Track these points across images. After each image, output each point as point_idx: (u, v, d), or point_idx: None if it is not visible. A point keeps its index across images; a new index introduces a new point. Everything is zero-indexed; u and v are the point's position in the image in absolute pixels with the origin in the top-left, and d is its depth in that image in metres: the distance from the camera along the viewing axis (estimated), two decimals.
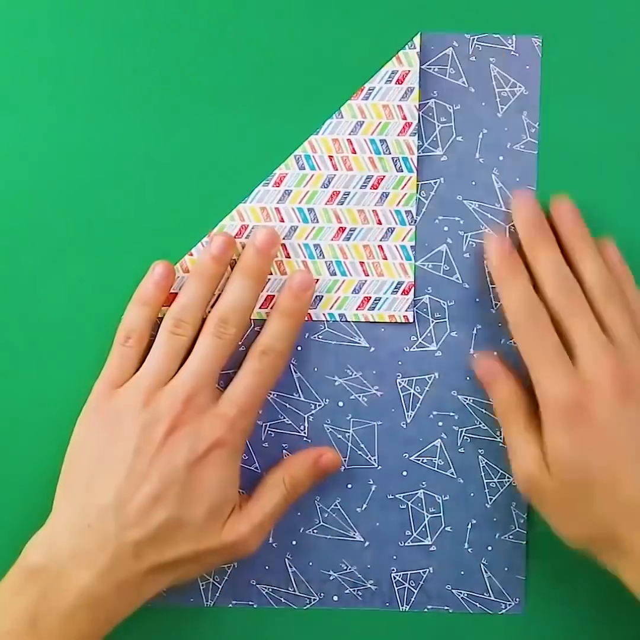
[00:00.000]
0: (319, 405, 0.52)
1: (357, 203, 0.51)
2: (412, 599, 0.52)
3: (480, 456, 0.52)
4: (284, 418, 0.52)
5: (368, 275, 0.51)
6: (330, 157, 0.51)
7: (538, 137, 0.52)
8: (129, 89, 0.51)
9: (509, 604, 0.52)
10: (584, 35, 0.52)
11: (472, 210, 0.52)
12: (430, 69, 0.51)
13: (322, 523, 0.52)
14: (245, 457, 0.51)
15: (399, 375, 0.52)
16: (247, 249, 0.50)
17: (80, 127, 0.51)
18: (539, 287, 0.48)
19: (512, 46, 0.51)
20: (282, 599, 0.52)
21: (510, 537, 0.52)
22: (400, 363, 0.52)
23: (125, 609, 0.47)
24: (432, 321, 0.52)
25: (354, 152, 0.51)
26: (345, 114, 0.51)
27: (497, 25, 0.51)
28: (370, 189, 0.51)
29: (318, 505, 0.52)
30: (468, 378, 0.52)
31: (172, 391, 0.48)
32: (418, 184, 0.52)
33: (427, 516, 0.52)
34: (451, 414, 0.52)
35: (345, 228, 0.51)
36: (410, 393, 0.52)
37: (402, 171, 0.51)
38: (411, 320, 0.52)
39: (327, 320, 0.52)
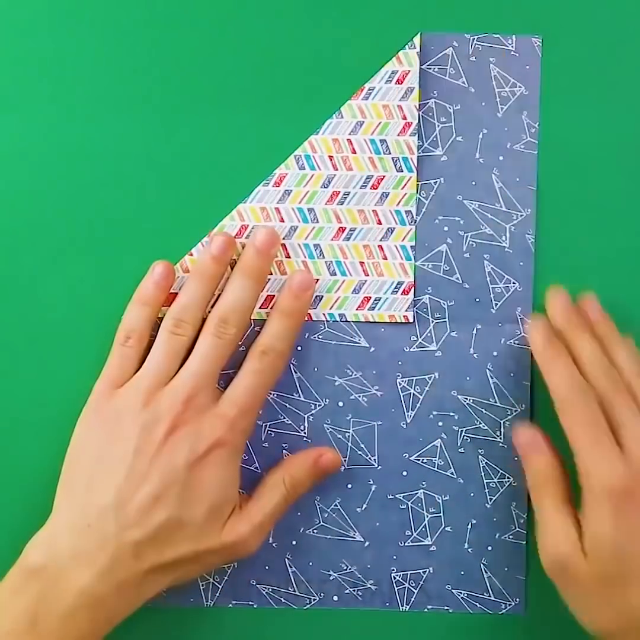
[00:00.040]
0: (319, 405, 0.52)
1: (357, 203, 0.51)
2: (412, 599, 0.52)
3: (480, 456, 0.52)
4: (284, 418, 0.52)
5: (368, 275, 0.51)
6: (330, 157, 0.51)
7: (538, 137, 0.52)
8: (129, 89, 0.51)
9: (509, 604, 0.52)
10: (584, 35, 0.52)
11: (472, 210, 0.52)
12: (430, 69, 0.51)
13: (322, 523, 0.52)
14: (245, 457, 0.51)
15: (399, 375, 0.52)
16: (247, 249, 0.50)
17: (80, 127, 0.51)
18: (581, 371, 0.48)
19: (512, 46, 0.51)
20: (282, 599, 0.52)
21: (510, 537, 0.52)
22: (400, 363, 0.52)
23: (125, 609, 0.47)
24: (432, 321, 0.52)
25: (354, 152, 0.51)
26: (345, 114, 0.51)
27: (497, 25, 0.51)
28: (370, 189, 0.51)
29: (318, 505, 0.52)
30: (468, 378, 0.52)
31: (173, 391, 0.48)
32: (418, 184, 0.52)
33: (427, 516, 0.52)
34: (451, 414, 0.52)
35: (345, 228, 0.51)
36: (410, 393, 0.52)
37: (402, 171, 0.51)
38: (411, 320, 0.52)
39: (327, 320, 0.52)
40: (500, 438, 0.52)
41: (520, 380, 0.52)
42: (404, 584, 0.52)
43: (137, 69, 0.51)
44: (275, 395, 0.52)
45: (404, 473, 0.52)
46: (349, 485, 0.52)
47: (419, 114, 0.51)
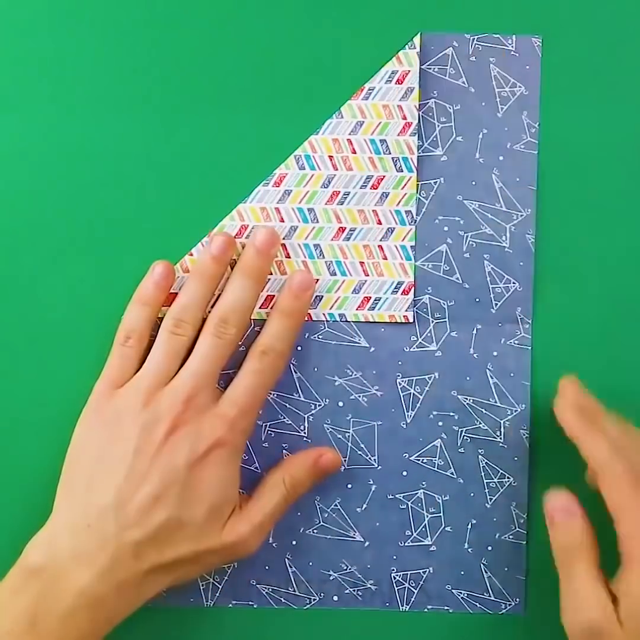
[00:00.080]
0: (319, 405, 0.52)
1: (357, 203, 0.51)
2: (412, 599, 0.52)
3: (480, 456, 0.52)
4: (284, 418, 0.52)
5: (368, 275, 0.51)
6: (330, 157, 0.51)
7: (538, 137, 0.52)
8: (129, 89, 0.51)
9: (509, 604, 0.52)
10: (584, 35, 0.52)
11: (472, 210, 0.52)
12: (430, 69, 0.51)
13: (322, 523, 0.52)
14: (245, 457, 0.51)
15: (399, 375, 0.52)
16: (247, 249, 0.50)
17: (80, 127, 0.51)
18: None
19: (512, 46, 0.51)
20: (282, 599, 0.52)
21: (510, 537, 0.52)
22: (400, 363, 0.52)
23: (125, 609, 0.47)
24: (432, 321, 0.52)
25: (354, 152, 0.51)
26: (345, 114, 0.51)
27: (497, 25, 0.51)
28: (370, 189, 0.51)
29: (318, 505, 0.52)
30: (468, 378, 0.52)
31: (173, 391, 0.48)
32: (418, 184, 0.52)
33: (427, 516, 0.52)
34: (451, 414, 0.52)
35: (345, 228, 0.51)
36: (410, 393, 0.52)
37: (402, 171, 0.51)
38: (411, 320, 0.52)
39: (327, 320, 0.52)
40: (500, 438, 0.52)
41: (520, 380, 0.52)
42: (404, 584, 0.52)
43: (137, 69, 0.51)
44: (275, 395, 0.52)
45: (404, 473, 0.52)
46: (349, 485, 0.52)
47: (419, 114, 0.51)
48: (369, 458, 0.52)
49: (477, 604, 0.52)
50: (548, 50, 0.51)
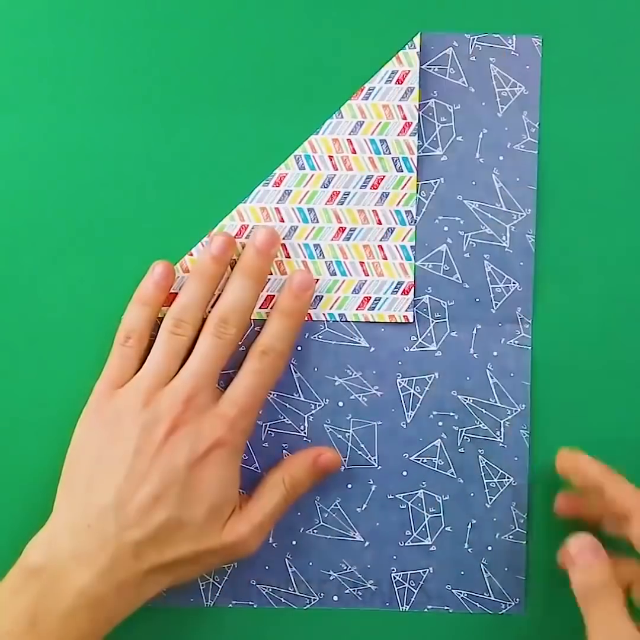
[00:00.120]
0: (319, 405, 0.52)
1: (357, 203, 0.51)
2: (412, 599, 0.52)
3: (480, 456, 0.52)
4: (284, 418, 0.52)
5: (368, 275, 0.51)
6: (330, 157, 0.51)
7: (538, 137, 0.52)
8: (129, 89, 0.51)
9: (509, 604, 0.52)
10: (584, 35, 0.52)
11: (472, 210, 0.52)
12: (430, 69, 0.51)
13: (322, 523, 0.52)
14: (245, 457, 0.51)
15: (399, 375, 0.52)
16: (247, 249, 0.50)
17: (80, 127, 0.51)
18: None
19: (512, 46, 0.51)
20: (282, 599, 0.52)
21: (510, 537, 0.52)
22: (400, 363, 0.52)
23: (125, 609, 0.47)
24: (432, 321, 0.52)
25: (354, 152, 0.51)
26: (345, 114, 0.51)
27: (497, 25, 0.51)
28: (370, 189, 0.51)
29: (318, 505, 0.52)
30: (468, 378, 0.52)
31: (173, 391, 0.48)
32: (418, 184, 0.52)
33: (427, 516, 0.52)
34: (451, 414, 0.52)
35: (345, 228, 0.51)
36: (410, 393, 0.52)
37: (402, 171, 0.51)
38: (411, 320, 0.52)
39: (327, 320, 0.52)
40: (500, 438, 0.52)
41: (520, 380, 0.52)
42: (404, 584, 0.52)
43: (137, 69, 0.51)
44: (275, 395, 0.52)
45: (404, 473, 0.52)
46: (349, 485, 0.52)
47: (419, 114, 0.51)
48: (369, 458, 0.52)
49: (477, 604, 0.52)
50: (548, 50, 0.51)
